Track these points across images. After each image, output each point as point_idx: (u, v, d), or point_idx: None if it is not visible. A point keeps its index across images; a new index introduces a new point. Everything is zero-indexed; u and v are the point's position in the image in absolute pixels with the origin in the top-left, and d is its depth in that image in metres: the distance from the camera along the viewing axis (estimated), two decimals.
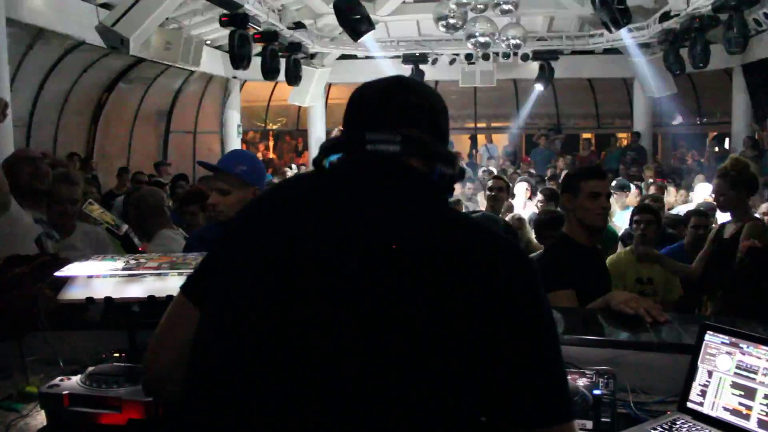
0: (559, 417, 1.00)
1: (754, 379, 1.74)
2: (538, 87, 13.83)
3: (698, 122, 15.30)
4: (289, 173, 11.81)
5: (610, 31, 9.19)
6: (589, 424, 1.72)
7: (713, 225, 4.62)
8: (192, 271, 1.32)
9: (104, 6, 8.14)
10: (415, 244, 1.03)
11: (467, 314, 0.98)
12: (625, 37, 11.23)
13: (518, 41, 11.41)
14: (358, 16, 9.01)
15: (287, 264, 1.06)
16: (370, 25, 9.60)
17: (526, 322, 1.01)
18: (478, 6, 10.07)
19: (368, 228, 1.06)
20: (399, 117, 1.21)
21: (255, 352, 1.03)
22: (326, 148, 1.23)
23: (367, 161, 1.18)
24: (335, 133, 13.64)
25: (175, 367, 1.17)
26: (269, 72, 10.82)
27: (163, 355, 1.24)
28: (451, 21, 10.39)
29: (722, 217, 4.53)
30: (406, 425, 0.96)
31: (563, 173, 7.96)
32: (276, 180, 9.67)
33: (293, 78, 12.06)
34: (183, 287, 1.27)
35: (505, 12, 10.02)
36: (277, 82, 13.17)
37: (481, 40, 10.94)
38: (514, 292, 1.01)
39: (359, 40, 10.35)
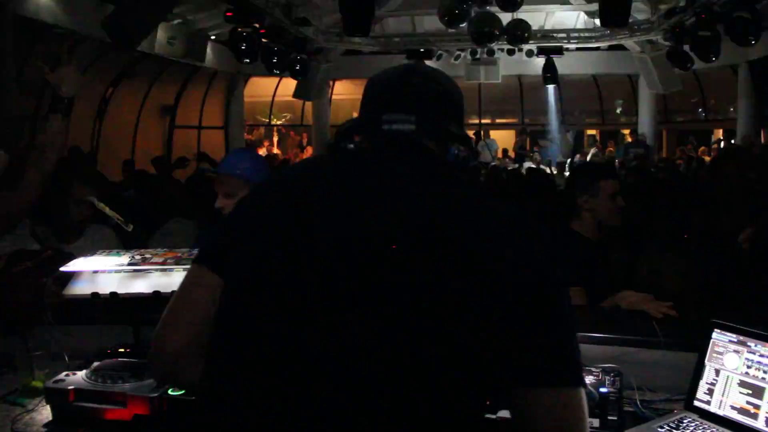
0: (565, 380, 1.02)
1: (762, 378, 1.73)
2: (551, 87, 13.82)
3: (703, 118, 15.27)
4: None
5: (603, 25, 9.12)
6: (596, 422, 1.71)
7: None
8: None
9: (109, 1, 8.14)
10: (431, 222, 1.04)
11: (485, 285, 1.00)
12: (630, 33, 11.20)
13: (523, 37, 11.36)
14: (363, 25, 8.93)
15: (306, 244, 1.07)
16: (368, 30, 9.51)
17: (543, 294, 1.03)
18: (483, 1, 10.03)
19: (384, 208, 1.07)
20: (413, 101, 1.22)
21: (281, 329, 1.03)
22: (343, 131, 1.23)
23: (383, 142, 1.19)
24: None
25: (194, 344, 1.13)
26: (274, 67, 10.81)
27: (181, 330, 1.16)
28: (456, 16, 10.36)
29: None
30: (424, 392, 0.98)
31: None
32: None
33: (297, 73, 12.04)
34: (198, 259, 1.21)
35: (509, 7, 9.98)
36: (281, 78, 13.18)
37: (486, 35, 10.89)
38: (530, 264, 1.04)
39: (362, 36, 10.30)
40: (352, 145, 1.22)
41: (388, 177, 1.13)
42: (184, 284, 1.21)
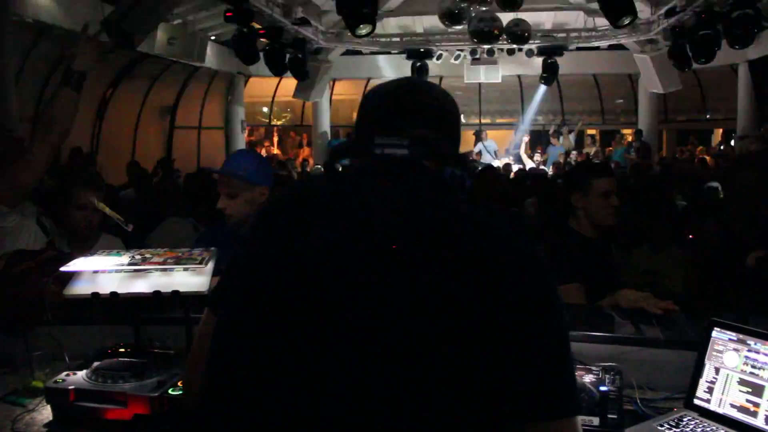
0: (565, 411, 1.00)
1: (762, 376, 1.73)
2: (542, 87, 13.87)
3: (704, 118, 15.27)
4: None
5: (615, 26, 9.10)
6: (596, 421, 1.71)
7: None
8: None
9: (108, 1, 8.14)
10: (428, 242, 1.03)
11: (481, 310, 0.98)
12: (630, 32, 11.22)
13: (523, 37, 11.36)
14: (364, 11, 8.86)
15: (301, 270, 1.06)
16: (373, 18, 9.48)
17: (539, 320, 1.01)
18: (483, 1, 10.04)
19: (380, 230, 1.06)
20: (409, 118, 1.21)
21: (273, 355, 1.03)
22: (336, 153, 1.23)
23: (376, 164, 1.18)
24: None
25: None
26: (274, 68, 10.81)
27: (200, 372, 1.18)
28: (456, 16, 10.36)
29: None
30: (424, 397, 0.96)
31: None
32: (282, 173, 9.69)
33: (298, 73, 12.05)
34: (208, 303, 1.26)
35: (509, 7, 9.97)
36: (281, 78, 13.19)
37: (486, 35, 10.89)
38: (527, 290, 1.01)
39: (363, 36, 10.27)
40: (346, 164, 1.22)
41: (384, 188, 1.13)
42: (199, 331, 1.26)
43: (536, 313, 1.01)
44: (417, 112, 1.22)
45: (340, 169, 1.22)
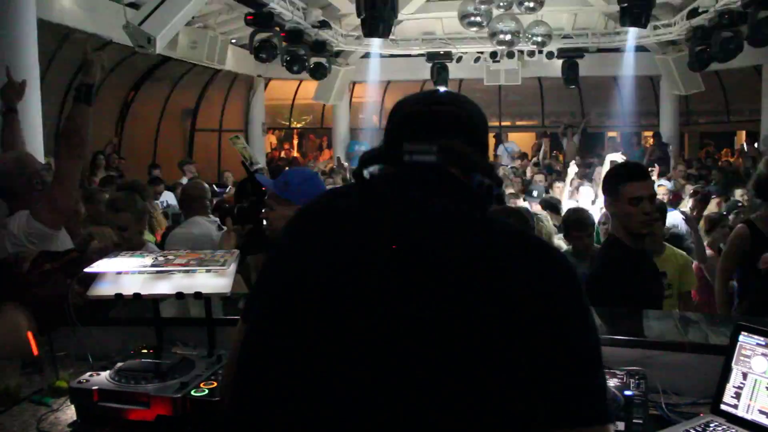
0: (597, 418, 0.99)
1: None
2: None
3: (726, 120, 15.08)
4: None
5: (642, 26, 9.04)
6: (621, 425, 1.69)
7: None
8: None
9: (132, 5, 8.22)
10: (456, 251, 1.02)
11: (511, 318, 0.97)
12: (652, 34, 11.13)
13: (543, 39, 11.32)
14: (382, 15, 8.88)
15: (331, 278, 1.06)
16: (390, 24, 9.49)
17: (570, 327, 1.00)
18: (503, 3, 10.00)
19: (408, 237, 1.05)
20: (437, 127, 1.21)
21: (299, 364, 1.03)
22: (366, 160, 1.22)
23: (405, 171, 1.17)
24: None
25: None
26: (294, 70, 10.86)
27: None
28: (476, 19, 10.35)
29: None
30: (449, 415, 0.96)
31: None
32: None
33: (317, 76, 12.09)
34: (242, 315, 1.27)
35: (530, 9, 9.95)
36: (301, 81, 13.25)
37: (506, 37, 10.87)
38: (557, 298, 1.00)
39: (387, 38, 10.27)
40: (374, 173, 1.21)
41: (413, 199, 1.12)
42: (234, 342, 1.26)
43: (568, 324, 1.00)
44: (445, 121, 1.22)
45: (369, 178, 1.21)
